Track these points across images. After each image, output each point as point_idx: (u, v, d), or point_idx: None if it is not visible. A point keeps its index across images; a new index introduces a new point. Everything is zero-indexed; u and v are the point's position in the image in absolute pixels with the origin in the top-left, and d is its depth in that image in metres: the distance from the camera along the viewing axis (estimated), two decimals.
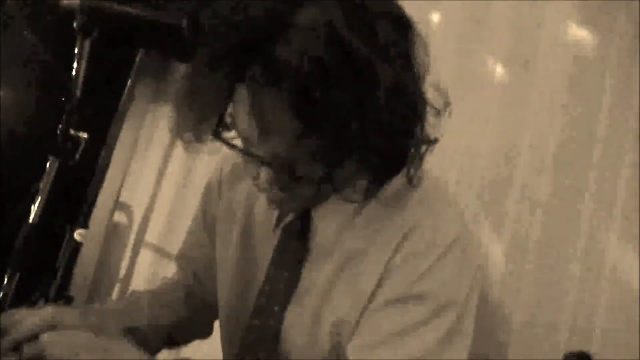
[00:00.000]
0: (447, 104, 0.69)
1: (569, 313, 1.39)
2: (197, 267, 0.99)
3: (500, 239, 1.57)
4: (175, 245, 2.24)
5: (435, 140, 0.69)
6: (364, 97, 0.60)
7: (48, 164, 1.89)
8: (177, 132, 0.72)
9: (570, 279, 1.46)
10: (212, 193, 0.94)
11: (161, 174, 2.33)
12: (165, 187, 2.30)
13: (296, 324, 0.76)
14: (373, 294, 0.72)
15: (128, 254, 2.31)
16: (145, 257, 2.26)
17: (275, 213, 0.82)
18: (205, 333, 1.04)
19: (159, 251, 2.20)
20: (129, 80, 2.08)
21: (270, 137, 0.64)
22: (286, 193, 0.71)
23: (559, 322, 1.36)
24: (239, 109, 0.66)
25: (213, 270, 0.92)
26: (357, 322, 0.73)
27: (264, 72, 0.60)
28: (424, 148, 0.69)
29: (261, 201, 0.85)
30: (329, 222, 0.77)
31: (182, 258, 1.03)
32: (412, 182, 0.70)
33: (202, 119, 0.69)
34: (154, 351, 0.96)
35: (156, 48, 2.16)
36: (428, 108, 0.68)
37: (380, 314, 0.71)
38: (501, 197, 1.60)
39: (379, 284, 0.72)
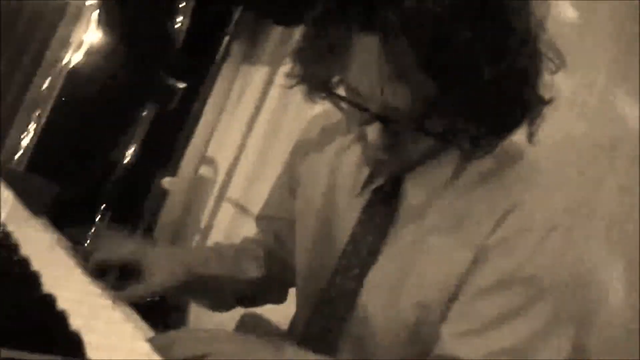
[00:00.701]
0: (562, 63, 0.65)
1: None
2: (278, 228, 0.99)
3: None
4: (256, 203, 2.29)
5: (552, 100, 0.65)
6: (498, 43, 0.58)
7: (145, 110, 2.00)
8: (293, 83, 0.72)
9: None
10: (298, 153, 0.94)
11: (247, 132, 2.38)
12: (250, 145, 2.35)
13: (376, 288, 0.75)
14: (467, 274, 0.70)
15: (210, 206, 2.39)
16: (226, 211, 2.33)
17: (362, 176, 0.80)
18: (280, 298, 1.05)
19: (240, 207, 2.26)
20: (226, 38, 2.12)
21: (398, 89, 0.62)
22: (391, 152, 0.69)
23: None
24: (357, 62, 0.65)
25: (294, 231, 0.92)
26: (450, 302, 0.70)
27: (396, 17, 0.58)
28: (541, 106, 0.65)
29: (347, 164, 0.84)
30: (421, 188, 0.74)
31: (263, 219, 1.03)
32: (531, 141, 0.67)
33: (317, 73, 0.70)
34: (227, 306, 0.99)
35: (254, 9, 2.19)
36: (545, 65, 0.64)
37: (480, 299, 0.68)
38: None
39: (474, 263, 0.69)
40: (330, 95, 0.70)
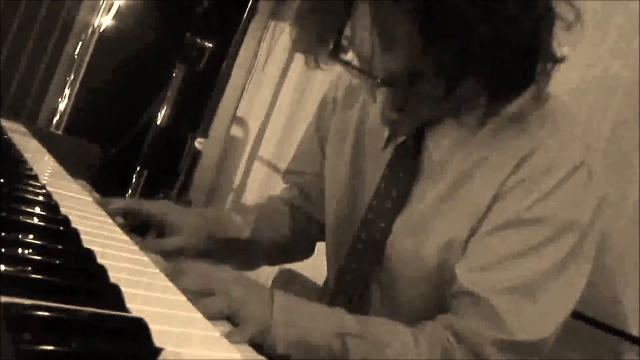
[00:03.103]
0: (578, 17, 0.64)
1: None
2: (305, 182, 1.01)
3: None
4: (287, 162, 2.30)
5: (563, 59, 0.65)
6: (493, 5, 0.58)
7: (175, 70, 2.00)
8: (296, 49, 0.75)
9: None
10: (326, 108, 0.96)
11: (277, 92, 2.37)
12: (280, 105, 2.34)
13: (402, 239, 0.78)
14: (485, 214, 0.72)
15: (242, 166, 2.42)
16: (258, 171, 2.35)
17: (386, 132, 0.82)
18: (306, 254, 1.07)
19: (271, 166, 2.28)
20: None
21: (391, 53, 0.63)
22: (402, 113, 0.70)
23: None
24: (358, 27, 0.66)
25: (321, 185, 0.95)
26: (467, 242, 0.73)
27: None
28: (550, 65, 0.66)
29: (372, 120, 0.86)
30: (443, 141, 0.76)
31: (291, 173, 1.05)
32: (539, 101, 0.68)
33: (320, 38, 0.71)
34: (254, 266, 1.01)
35: None
36: (558, 22, 0.64)
37: (494, 237, 0.70)
38: None
39: (492, 203, 0.71)
40: (337, 60, 0.71)
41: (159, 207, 0.86)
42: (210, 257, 0.92)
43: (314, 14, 0.70)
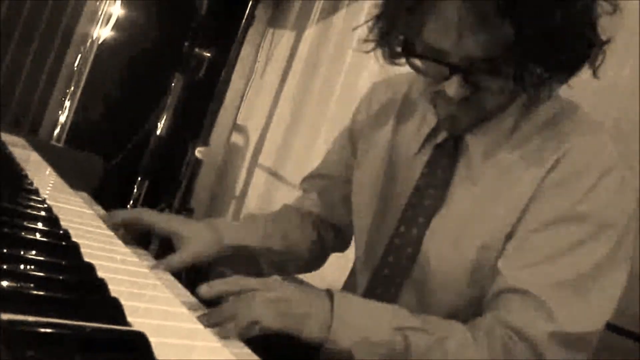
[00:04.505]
0: (615, 6, 0.70)
1: None
2: (329, 186, 1.02)
3: None
4: (287, 168, 2.31)
5: (609, 41, 0.71)
6: None
7: (174, 80, 2.01)
8: (370, 50, 0.78)
9: None
10: (358, 118, 1.00)
11: (276, 98, 2.37)
12: (280, 112, 2.35)
13: (439, 235, 0.80)
14: (523, 213, 0.74)
15: (243, 174, 2.43)
16: (259, 178, 2.36)
17: (422, 137, 0.86)
18: (318, 264, 1.06)
19: (272, 173, 2.28)
20: (250, 3, 2.10)
21: (474, 38, 0.67)
22: (463, 106, 0.74)
23: None
24: (434, 20, 0.70)
25: (345, 191, 0.98)
26: (505, 241, 0.75)
27: None
28: (599, 49, 0.71)
29: (406, 129, 0.90)
30: (481, 142, 0.80)
31: (315, 177, 1.06)
32: (596, 76, 0.72)
33: (392, 34, 0.76)
34: (262, 274, 1.01)
35: None
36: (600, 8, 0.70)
37: (538, 234, 0.73)
38: None
39: (530, 203, 0.74)
40: (411, 54, 0.75)
41: (165, 220, 0.85)
42: (219, 267, 0.93)
43: (393, 13, 0.75)
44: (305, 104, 2.19)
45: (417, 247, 0.81)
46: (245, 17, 2.08)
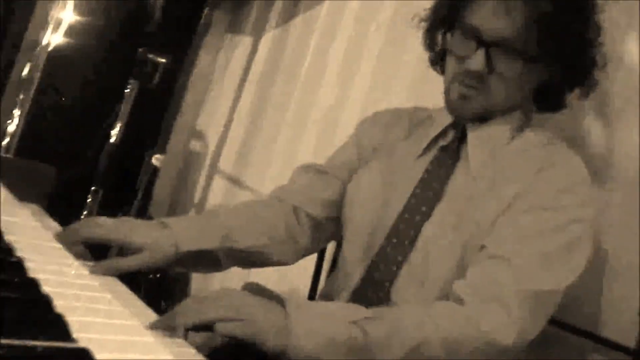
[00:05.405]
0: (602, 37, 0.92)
1: None
2: (324, 183, 1.05)
3: None
4: (247, 174, 2.30)
5: (605, 64, 0.93)
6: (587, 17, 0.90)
7: (128, 87, 1.97)
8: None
9: None
10: (366, 126, 1.09)
11: (235, 104, 2.36)
12: (239, 117, 2.33)
13: (439, 223, 0.90)
14: (509, 206, 0.86)
15: (202, 180, 2.40)
16: (219, 184, 2.33)
17: (421, 148, 0.97)
18: (290, 258, 1.05)
19: (232, 179, 2.26)
20: (206, 9, 2.08)
21: (510, 17, 0.84)
22: (477, 89, 0.88)
23: None
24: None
25: (342, 194, 1.04)
26: (492, 227, 0.85)
27: None
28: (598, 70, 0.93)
29: (406, 145, 1.01)
30: (481, 149, 0.92)
31: (312, 171, 1.08)
32: (586, 97, 0.96)
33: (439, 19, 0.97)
34: (224, 269, 0.99)
35: None
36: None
37: (518, 217, 0.84)
38: None
39: (515, 199, 0.86)
40: (450, 29, 0.94)
41: (118, 230, 0.81)
42: (175, 270, 0.91)
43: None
44: (264, 109, 2.18)
45: (418, 230, 0.90)
46: (200, 22, 2.06)
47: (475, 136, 0.93)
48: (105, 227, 0.81)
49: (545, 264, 0.81)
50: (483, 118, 0.93)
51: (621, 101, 1.11)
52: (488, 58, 0.86)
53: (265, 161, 2.06)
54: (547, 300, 0.81)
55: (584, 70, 0.93)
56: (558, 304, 0.83)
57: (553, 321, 1.02)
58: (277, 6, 2.25)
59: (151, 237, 0.82)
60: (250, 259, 0.98)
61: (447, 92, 0.94)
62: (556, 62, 0.89)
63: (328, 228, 1.05)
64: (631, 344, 0.99)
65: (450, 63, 0.93)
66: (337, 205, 1.04)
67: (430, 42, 1.01)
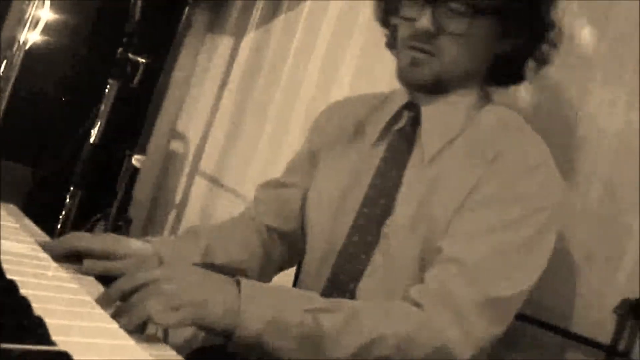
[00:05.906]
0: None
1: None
2: (291, 194, 1.03)
3: None
4: (228, 175, 2.28)
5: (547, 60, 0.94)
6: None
7: (107, 87, 1.95)
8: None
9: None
10: (318, 127, 1.06)
11: (216, 105, 2.34)
12: (220, 118, 2.32)
13: (400, 210, 0.87)
14: (466, 198, 0.82)
15: (183, 181, 2.38)
16: (200, 185, 2.32)
17: (378, 130, 0.93)
18: (266, 278, 1.05)
19: (213, 180, 2.25)
20: (186, 8, 2.07)
21: None
22: (433, 47, 0.85)
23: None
24: None
25: (303, 199, 1.01)
26: (450, 220, 0.82)
27: None
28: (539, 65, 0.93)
29: (363, 136, 0.98)
30: (435, 136, 0.88)
31: (277, 187, 1.06)
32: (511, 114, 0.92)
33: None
34: None
35: None
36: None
37: (475, 212, 0.81)
38: None
39: (472, 189, 0.82)
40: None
41: (102, 241, 0.81)
42: None
43: None
44: (245, 109, 2.17)
45: (380, 225, 0.87)
46: (181, 22, 2.05)
47: (429, 116, 0.89)
48: (89, 238, 0.81)
49: (502, 265, 0.76)
50: (437, 89, 0.89)
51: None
52: (435, 17, 0.83)
53: (246, 162, 2.05)
54: (505, 307, 0.77)
55: (537, 31, 0.89)
56: (519, 306, 0.79)
57: (526, 318, 1.03)
58: (259, 6, 2.24)
59: (135, 247, 0.83)
60: (232, 275, 0.98)
61: (398, 61, 0.90)
62: (506, 18, 0.85)
63: (302, 238, 1.03)
64: (606, 340, 1.01)
65: (401, 30, 0.89)
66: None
67: (382, 17, 0.97)
